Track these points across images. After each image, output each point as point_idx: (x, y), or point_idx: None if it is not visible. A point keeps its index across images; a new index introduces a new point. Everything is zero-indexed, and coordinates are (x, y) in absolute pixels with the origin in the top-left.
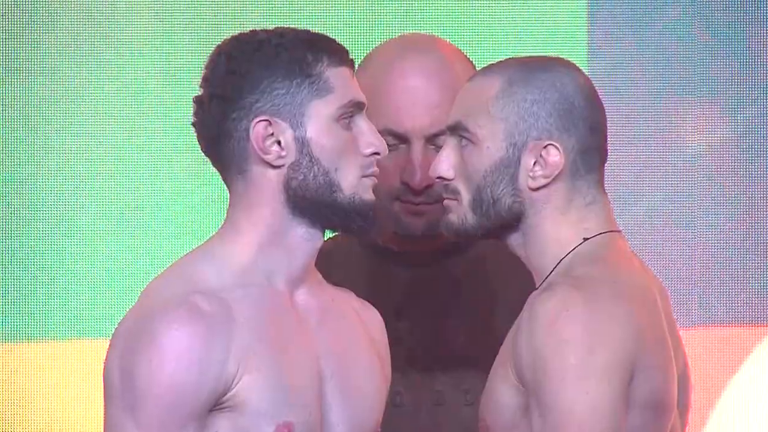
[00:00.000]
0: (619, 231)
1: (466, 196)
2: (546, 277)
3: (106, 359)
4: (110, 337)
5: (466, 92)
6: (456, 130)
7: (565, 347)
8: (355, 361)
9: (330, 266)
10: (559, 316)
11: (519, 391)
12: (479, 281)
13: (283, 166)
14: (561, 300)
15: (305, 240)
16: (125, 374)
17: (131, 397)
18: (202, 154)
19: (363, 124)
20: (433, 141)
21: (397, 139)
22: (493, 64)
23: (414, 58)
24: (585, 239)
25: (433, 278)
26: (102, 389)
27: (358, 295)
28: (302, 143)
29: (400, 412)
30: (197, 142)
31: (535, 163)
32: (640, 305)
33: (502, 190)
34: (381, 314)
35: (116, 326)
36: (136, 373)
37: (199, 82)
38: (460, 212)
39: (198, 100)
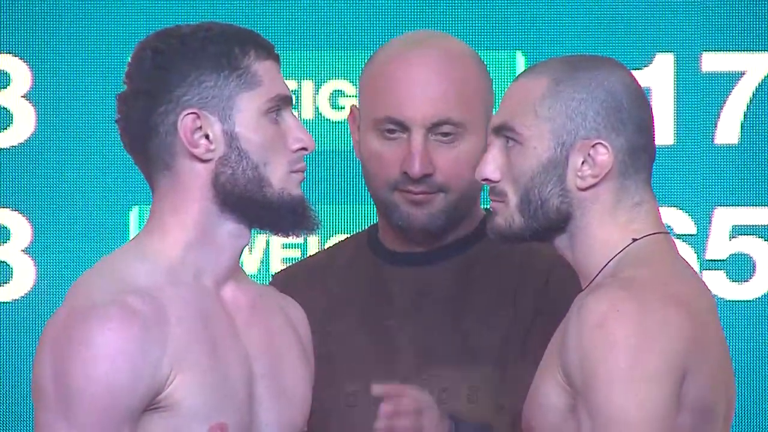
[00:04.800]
0: (667, 233)
1: (513, 197)
2: (593, 279)
3: (35, 362)
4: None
5: (512, 93)
6: (502, 130)
7: (614, 349)
8: (284, 360)
9: (332, 269)
10: (609, 317)
11: (566, 392)
12: (479, 280)
13: (211, 160)
14: (610, 301)
15: (233, 237)
16: (58, 376)
17: (65, 400)
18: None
19: (290, 120)
20: (434, 131)
21: (399, 127)
22: (537, 64)
23: (419, 49)
24: (634, 240)
25: (435, 278)
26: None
27: (361, 296)
28: (231, 137)
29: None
30: (121, 140)
31: (583, 163)
32: (689, 309)
33: (550, 190)
34: (384, 314)
35: (45, 326)
36: (70, 374)
37: (123, 79)
38: (507, 214)
39: (122, 97)
